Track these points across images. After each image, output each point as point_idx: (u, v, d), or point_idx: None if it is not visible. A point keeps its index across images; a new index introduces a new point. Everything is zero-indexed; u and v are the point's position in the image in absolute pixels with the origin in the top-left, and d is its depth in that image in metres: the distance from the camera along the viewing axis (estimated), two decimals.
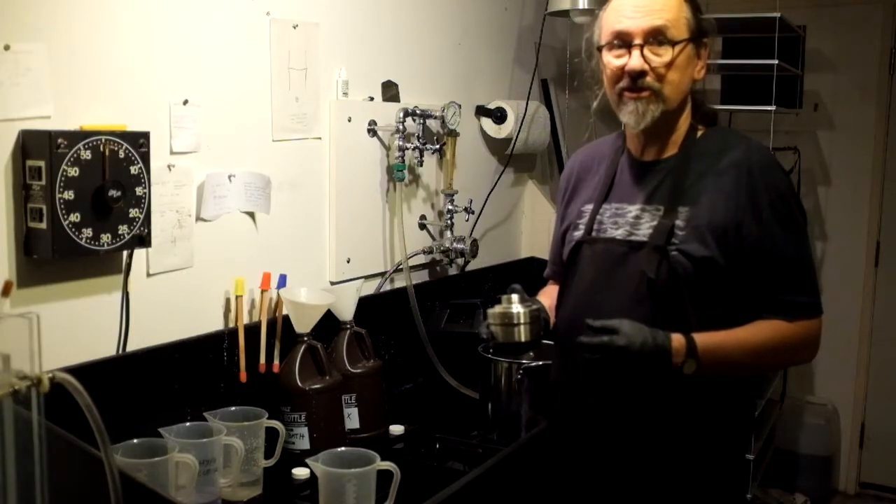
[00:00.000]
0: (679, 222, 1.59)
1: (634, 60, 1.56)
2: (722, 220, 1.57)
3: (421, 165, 2.52)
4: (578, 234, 1.73)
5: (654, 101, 1.59)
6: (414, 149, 2.45)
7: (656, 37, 1.56)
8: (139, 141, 1.69)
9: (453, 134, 2.62)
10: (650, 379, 1.59)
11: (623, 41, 1.58)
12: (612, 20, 1.61)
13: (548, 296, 1.89)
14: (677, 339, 1.54)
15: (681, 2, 1.60)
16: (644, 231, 1.63)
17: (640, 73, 1.57)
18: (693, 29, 1.60)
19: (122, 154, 1.66)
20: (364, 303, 2.18)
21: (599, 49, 1.64)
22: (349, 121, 2.32)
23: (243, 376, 1.93)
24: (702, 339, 1.54)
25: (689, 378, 1.59)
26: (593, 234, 1.70)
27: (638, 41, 1.57)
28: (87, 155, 1.60)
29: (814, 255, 1.66)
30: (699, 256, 1.56)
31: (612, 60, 1.61)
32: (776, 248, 1.57)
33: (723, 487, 1.70)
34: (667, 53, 1.57)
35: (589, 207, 1.74)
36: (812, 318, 1.60)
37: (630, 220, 1.66)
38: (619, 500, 1.71)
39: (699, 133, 1.68)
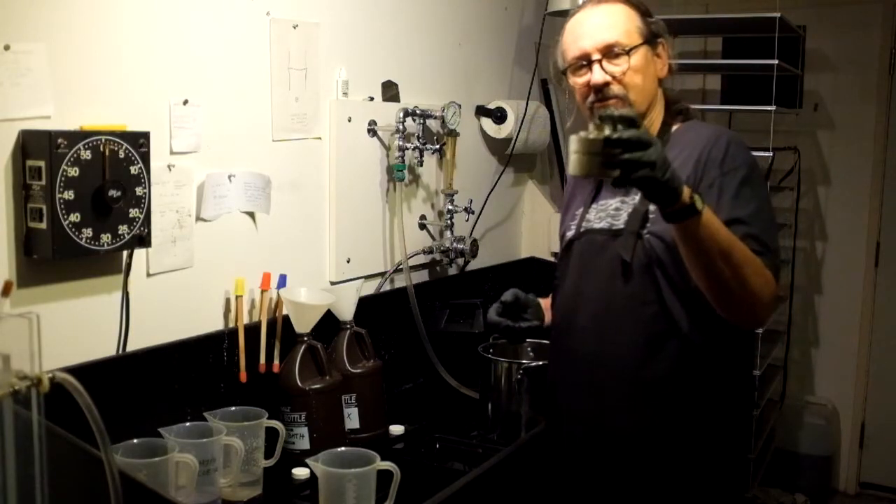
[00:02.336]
0: (651, 207, 1.63)
1: (596, 75, 1.68)
2: None
3: (421, 165, 2.52)
4: (570, 233, 1.81)
5: (623, 107, 1.65)
6: (414, 149, 2.45)
7: (611, 50, 1.67)
8: (139, 141, 1.69)
9: (453, 134, 2.62)
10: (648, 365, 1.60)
11: (583, 61, 1.69)
12: (570, 45, 1.73)
13: (546, 299, 1.93)
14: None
15: (628, 12, 1.71)
16: (622, 219, 1.69)
17: (604, 85, 1.67)
18: (645, 33, 1.70)
19: (122, 154, 1.66)
20: (364, 303, 2.18)
21: (564, 73, 1.75)
22: (349, 121, 2.32)
23: (243, 376, 1.93)
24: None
25: (689, 376, 1.61)
26: (581, 229, 1.77)
27: (596, 56, 1.68)
28: (87, 155, 1.60)
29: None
30: (667, 237, 1.59)
31: (577, 80, 1.72)
32: (727, 211, 1.55)
33: (723, 487, 1.71)
34: (623, 62, 1.67)
35: (580, 210, 1.81)
36: (771, 272, 1.53)
37: (611, 213, 1.72)
38: (618, 501, 1.71)
39: (674, 128, 1.75)
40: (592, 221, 1.75)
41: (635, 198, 1.68)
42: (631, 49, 1.66)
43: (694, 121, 1.78)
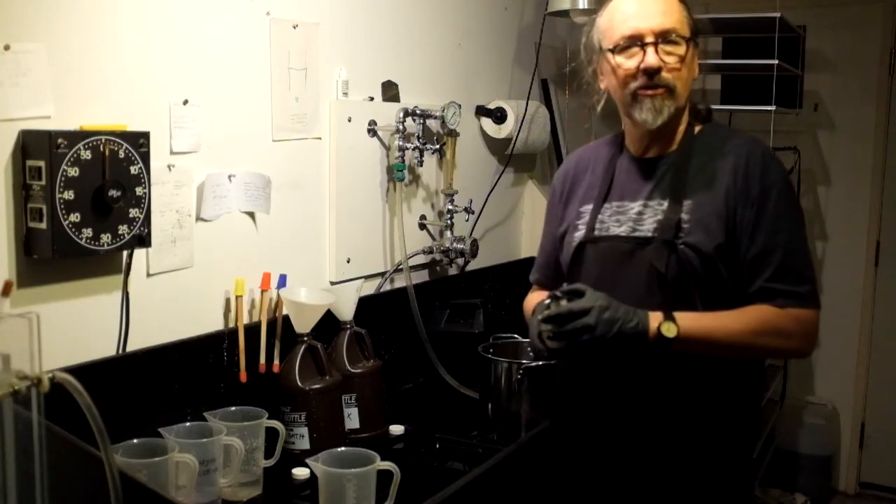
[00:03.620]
0: (684, 215, 1.60)
1: (651, 58, 1.60)
2: (722, 207, 1.58)
3: (421, 165, 2.52)
4: (579, 234, 1.73)
5: (669, 97, 1.62)
6: (414, 149, 2.45)
7: (668, 36, 1.60)
8: (139, 141, 1.69)
9: (453, 134, 2.62)
10: (637, 359, 1.57)
11: (634, 42, 1.61)
12: (619, 23, 1.63)
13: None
14: (651, 312, 1.53)
15: (678, 3, 1.65)
16: (648, 226, 1.63)
17: (657, 70, 1.60)
18: (692, 29, 1.65)
19: (122, 154, 1.66)
20: (364, 303, 2.18)
21: (612, 51, 1.65)
22: (349, 121, 2.32)
23: (243, 376, 1.93)
24: (679, 312, 1.53)
25: (697, 377, 1.60)
26: (595, 233, 1.70)
27: (650, 39, 1.60)
28: (87, 155, 1.60)
29: (811, 249, 1.62)
30: (705, 249, 1.57)
31: (624, 62, 1.63)
32: (765, 236, 1.56)
33: (728, 488, 1.70)
34: (679, 50, 1.61)
35: (588, 208, 1.74)
36: (804, 307, 1.56)
37: (633, 217, 1.66)
38: (623, 501, 1.70)
39: (697, 129, 1.71)
40: (608, 224, 1.68)
41: (662, 203, 1.63)
42: (689, 39, 1.62)
43: (715, 123, 1.74)
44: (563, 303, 1.52)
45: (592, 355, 1.59)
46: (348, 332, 2.09)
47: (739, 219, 1.57)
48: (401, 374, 2.45)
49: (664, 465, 1.65)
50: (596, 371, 1.70)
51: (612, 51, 1.64)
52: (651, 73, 1.60)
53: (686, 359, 1.58)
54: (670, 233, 1.59)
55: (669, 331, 1.49)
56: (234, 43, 1.99)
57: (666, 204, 1.63)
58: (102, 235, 1.64)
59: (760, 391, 1.81)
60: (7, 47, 1.53)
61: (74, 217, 1.58)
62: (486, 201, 2.94)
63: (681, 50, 1.61)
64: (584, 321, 1.47)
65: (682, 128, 1.69)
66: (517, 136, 2.92)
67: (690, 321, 1.52)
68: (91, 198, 1.61)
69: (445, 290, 2.68)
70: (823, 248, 3.95)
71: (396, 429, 2.13)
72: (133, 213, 1.69)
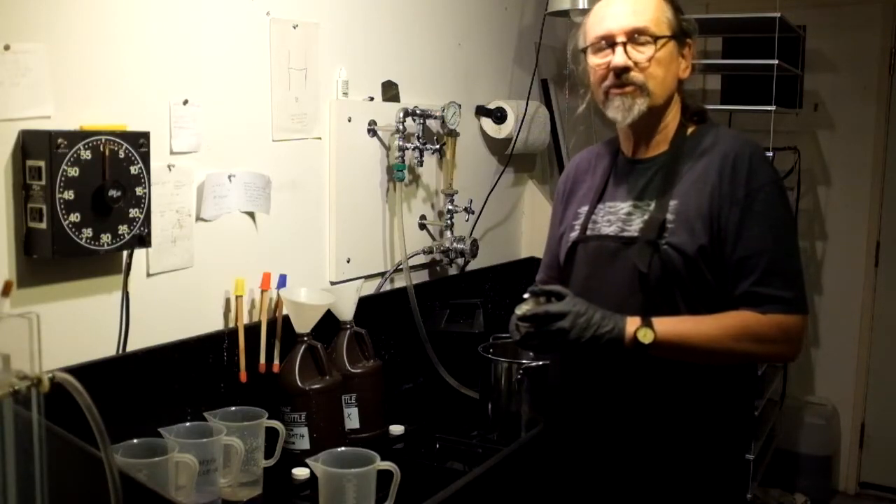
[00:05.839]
0: (669, 216, 1.61)
1: (618, 57, 1.62)
2: (707, 208, 1.58)
3: (421, 165, 2.52)
4: (574, 234, 1.75)
5: (640, 95, 1.63)
6: (414, 149, 2.45)
7: (638, 35, 1.62)
8: (139, 141, 1.69)
9: (453, 134, 2.62)
10: (625, 364, 1.59)
11: (606, 42, 1.65)
12: (595, 24, 1.68)
13: None
14: (630, 317, 1.55)
15: (660, 3, 1.66)
16: (635, 226, 1.64)
17: (624, 69, 1.62)
18: (674, 28, 1.66)
19: (122, 154, 1.66)
20: (364, 303, 2.18)
21: (584, 52, 1.70)
22: (349, 121, 2.32)
23: (243, 376, 1.93)
24: (658, 317, 1.55)
25: (690, 377, 1.60)
26: (587, 233, 1.72)
27: (621, 39, 1.63)
28: (87, 155, 1.60)
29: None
30: (688, 250, 1.57)
31: (596, 60, 1.67)
32: (751, 239, 1.56)
33: (723, 488, 1.70)
34: (648, 49, 1.63)
35: (584, 209, 1.76)
36: (789, 313, 1.55)
37: (622, 217, 1.67)
38: (619, 501, 1.71)
39: (690, 130, 1.71)
40: (600, 224, 1.70)
41: (650, 204, 1.64)
42: (658, 38, 1.62)
43: (710, 123, 1.73)
44: (542, 300, 1.56)
45: (566, 352, 1.68)
46: (348, 332, 2.09)
47: (724, 221, 1.57)
48: (401, 374, 2.45)
49: (657, 465, 1.66)
50: (588, 372, 1.70)
51: (588, 50, 1.69)
52: (619, 72, 1.63)
53: (688, 368, 1.59)
54: (654, 233, 1.60)
55: (646, 337, 1.51)
56: (234, 43, 1.99)
57: (653, 205, 1.64)
58: (102, 235, 1.64)
59: (754, 392, 1.82)
60: (7, 47, 1.53)
61: (74, 217, 1.58)
62: (486, 201, 2.94)
63: (652, 48, 1.62)
64: (559, 325, 1.52)
65: (671, 127, 1.70)
66: (517, 136, 2.92)
67: (668, 326, 1.53)
68: (91, 198, 1.61)
69: (445, 290, 2.68)
70: (823, 248, 3.95)
71: (396, 429, 2.14)
72: (133, 213, 1.69)
